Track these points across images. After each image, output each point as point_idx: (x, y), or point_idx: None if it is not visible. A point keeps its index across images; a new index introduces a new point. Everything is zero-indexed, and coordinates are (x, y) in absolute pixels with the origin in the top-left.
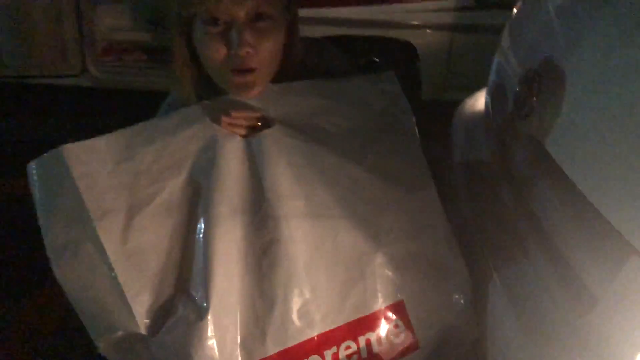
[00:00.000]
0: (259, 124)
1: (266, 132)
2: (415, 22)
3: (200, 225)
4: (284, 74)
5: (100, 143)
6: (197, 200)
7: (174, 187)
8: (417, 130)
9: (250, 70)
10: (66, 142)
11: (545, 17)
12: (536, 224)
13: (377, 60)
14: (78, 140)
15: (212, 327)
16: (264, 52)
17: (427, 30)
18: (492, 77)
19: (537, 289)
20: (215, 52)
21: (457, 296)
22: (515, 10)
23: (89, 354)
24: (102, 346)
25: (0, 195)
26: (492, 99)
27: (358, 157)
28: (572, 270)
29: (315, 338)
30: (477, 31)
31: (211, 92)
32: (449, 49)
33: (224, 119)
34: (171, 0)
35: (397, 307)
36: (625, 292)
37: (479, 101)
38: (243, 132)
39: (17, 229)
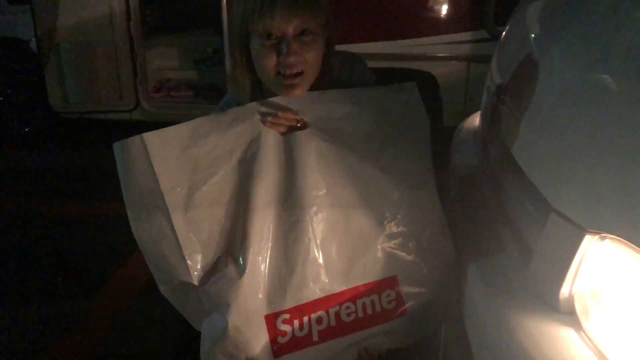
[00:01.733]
0: (297, 125)
1: (301, 132)
2: (435, 54)
3: (244, 202)
4: (322, 80)
5: (172, 132)
6: (243, 182)
7: (225, 171)
8: (429, 136)
9: (297, 75)
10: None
11: (519, 41)
12: (505, 212)
13: None
14: None
15: (247, 284)
16: (307, 59)
17: (446, 62)
18: (483, 96)
19: (503, 260)
20: (269, 60)
21: (443, 275)
22: (502, 36)
23: None
24: (162, 288)
25: (64, 216)
26: (482, 114)
27: (374, 158)
28: (525, 241)
29: (323, 298)
30: (491, 61)
31: (262, 94)
32: (466, 78)
33: (269, 118)
34: (236, 21)
35: (391, 280)
36: (547, 241)
37: (477, 119)
38: (283, 130)
39: (70, 245)
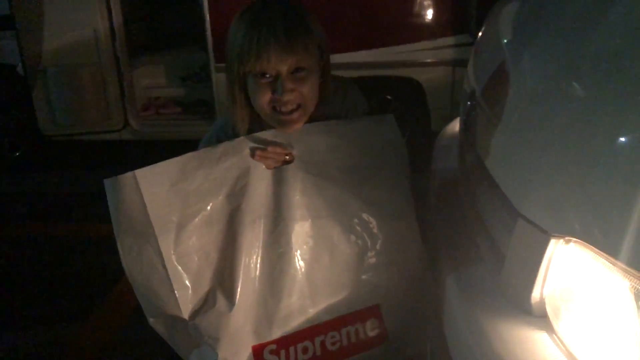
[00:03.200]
0: (285, 158)
1: (288, 167)
2: (420, 60)
3: (232, 236)
4: (318, 109)
5: (162, 168)
6: (232, 216)
7: (214, 205)
8: (408, 168)
9: (293, 110)
10: None
11: (491, 47)
12: (480, 218)
13: (390, 97)
14: None
15: (236, 317)
16: (303, 94)
17: (431, 67)
18: (462, 101)
19: (479, 265)
20: (264, 98)
21: (422, 301)
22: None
23: None
24: (152, 321)
25: (57, 239)
26: (459, 120)
27: (356, 190)
28: (499, 248)
29: (309, 328)
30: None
31: (260, 128)
32: (452, 83)
33: (258, 152)
34: (232, 62)
35: (374, 309)
36: (516, 246)
37: (458, 125)
38: (271, 164)
39: (61, 268)
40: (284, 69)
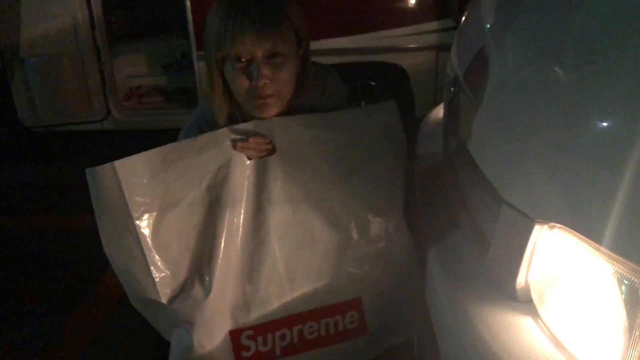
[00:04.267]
0: (266, 149)
1: (269, 158)
2: (403, 46)
3: (212, 225)
4: (297, 96)
5: (142, 158)
6: (212, 206)
7: (195, 195)
8: (404, 158)
9: (269, 95)
10: None
11: (474, 32)
12: (464, 204)
13: (374, 83)
14: None
15: (212, 304)
16: (278, 82)
17: (415, 53)
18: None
19: (463, 251)
20: (241, 83)
21: (408, 293)
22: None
23: None
24: (134, 303)
25: (39, 231)
26: (444, 105)
27: (341, 182)
28: (483, 233)
29: (288, 317)
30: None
31: (239, 114)
32: (435, 68)
33: (239, 143)
34: (210, 47)
35: (355, 302)
36: (501, 232)
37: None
38: (253, 155)
39: (47, 261)
40: (258, 53)
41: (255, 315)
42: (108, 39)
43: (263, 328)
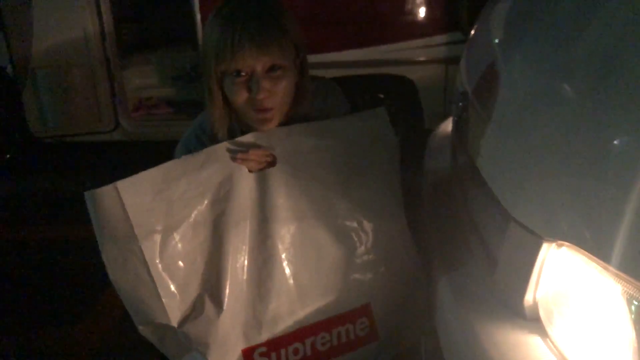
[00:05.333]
0: (267, 160)
1: (270, 169)
2: (412, 59)
3: (218, 241)
4: (297, 108)
5: (144, 177)
6: (217, 222)
7: (199, 212)
8: (398, 162)
9: (269, 109)
10: None
11: (483, 45)
12: (472, 220)
13: (382, 96)
14: None
15: (224, 322)
16: (278, 94)
17: (424, 65)
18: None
19: (471, 268)
20: (241, 96)
21: (414, 299)
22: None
23: None
24: (141, 329)
25: (48, 241)
26: (452, 119)
27: (343, 190)
28: (491, 250)
29: (299, 330)
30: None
31: (238, 126)
32: (444, 81)
33: (239, 155)
34: (209, 61)
35: (365, 309)
36: (509, 250)
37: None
38: (254, 167)
39: (53, 271)
40: (258, 67)
41: (267, 330)
42: (118, 50)
43: (275, 344)
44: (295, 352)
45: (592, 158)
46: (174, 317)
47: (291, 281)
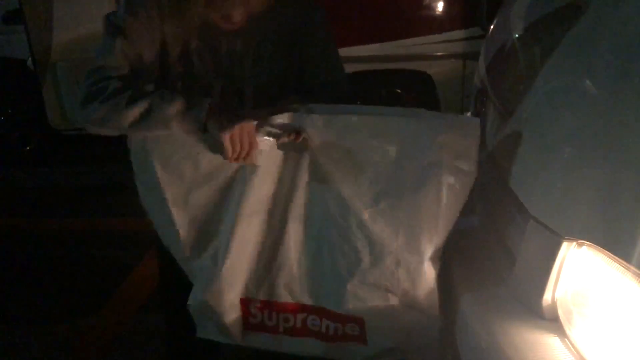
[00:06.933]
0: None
1: (303, 155)
2: (430, 54)
3: (237, 206)
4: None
5: (178, 138)
6: (238, 189)
7: (224, 179)
8: (465, 197)
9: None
10: (121, 184)
11: (503, 41)
12: (491, 219)
13: (400, 91)
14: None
15: (226, 270)
16: None
17: (442, 60)
18: (472, 97)
19: (490, 266)
20: None
21: (420, 329)
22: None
23: None
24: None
25: (68, 233)
26: (471, 115)
27: (371, 201)
28: (510, 249)
29: (292, 303)
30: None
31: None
32: (462, 76)
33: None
34: None
35: (358, 320)
36: (528, 248)
37: None
38: (228, 157)
39: (73, 262)
40: None
41: (264, 292)
42: None
43: (269, 305)
44: (286, 320)
45: (614, 157)
46: (187, 251)
47: (294, 261)
